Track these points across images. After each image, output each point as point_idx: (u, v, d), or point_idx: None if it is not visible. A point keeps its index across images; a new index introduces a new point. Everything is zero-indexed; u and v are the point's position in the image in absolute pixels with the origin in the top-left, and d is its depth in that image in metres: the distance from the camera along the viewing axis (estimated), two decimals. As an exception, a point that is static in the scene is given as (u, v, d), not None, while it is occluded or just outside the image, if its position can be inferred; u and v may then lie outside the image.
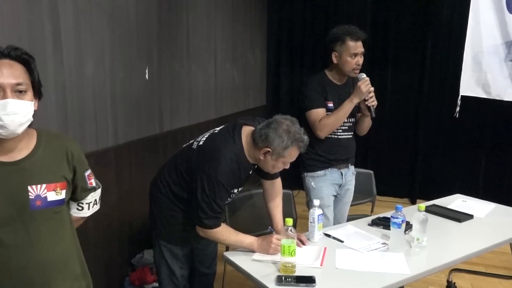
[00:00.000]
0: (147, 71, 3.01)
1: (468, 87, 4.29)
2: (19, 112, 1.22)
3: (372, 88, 2.44)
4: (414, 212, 2.05)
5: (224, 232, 1.96)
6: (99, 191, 1.55)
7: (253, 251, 1.96)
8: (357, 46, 2.41)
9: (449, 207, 2.58)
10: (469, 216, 2.44)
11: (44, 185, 1.31)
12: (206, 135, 2.02)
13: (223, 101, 4.17)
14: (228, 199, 1.99)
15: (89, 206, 1.52)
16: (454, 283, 2.92)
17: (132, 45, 2.84)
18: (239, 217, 2.61)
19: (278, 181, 2.20)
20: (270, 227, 2.13)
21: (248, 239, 1.97)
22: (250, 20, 4.64)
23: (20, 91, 1.24)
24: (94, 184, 1.52)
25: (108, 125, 2.67)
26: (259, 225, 2.42)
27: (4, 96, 1.20)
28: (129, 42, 2.82)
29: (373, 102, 2.45)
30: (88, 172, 1.49)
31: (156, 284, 2.74)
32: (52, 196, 1.33)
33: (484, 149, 4.57)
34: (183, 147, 2.11)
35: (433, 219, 2.36)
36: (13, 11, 2.02)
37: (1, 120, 1.20)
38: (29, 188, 1.29)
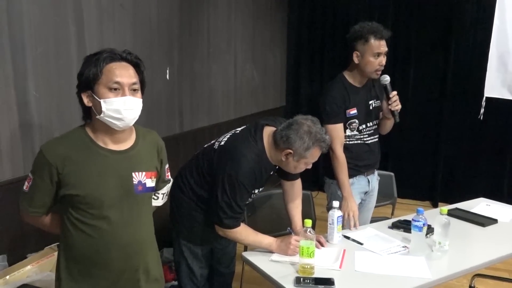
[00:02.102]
0: (168, 71, 3.04)
1: (493, 88, 4.18)
2: (134, 108, 1.40)
3: (395, 92, 2.35)
4: (436, 216, 2.02)
5: (243, 232, 1.96)
6: (170, 184, 1.72)
7: (271, 252, 1.96)
8: (380, 45, 2.28)
9: (472, 211, 2.53)
10: (493, 221, 2.39)
11: (144, 173, 1.50)
12: (228, 135, 2.03)
13: (242, 101, 4.19)
14: (249, 199, 2.00)
15: (163, 196, 1.68)
16: (477, 288, 2.86)
17: (153, 46, 2.88)
18: (258, 217, 2.61)
19: (298, 182, 2.19)
20: (289, 228, 2.12)
21: (267, 240, 1.97)
22: (271, 20, 4.64)
23: (134, 89, 1.42)
24: (170, 177, 1.69)
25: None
26: (278, 225, 2.42)
27: (123, 94, 1.38)
28: (150, 43, 2.85)
29: (396, 107, 2.35)
30: (167, 165, 1.65)
31: (175, 282, 2.76)
32: (149, 183, 1.52)
33: (509, 151, 4.44)
34: (204, 147, 2.12)
35: (456, 223, 2.32)
36: (40, 12, 2.08)
37: (121, 113, 1.38)
38: (133, 174, 1.48)
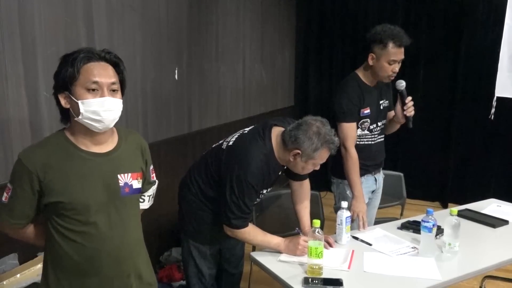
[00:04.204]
0: (176, 71, 3.05)
1: (504, 88, 4.15)
2: (113, 109, 1.36)
3: (410, 98, 2.34)
4: (446, 217, 2.00)
5: (252, 232, 1.96)
6: (156, 186, 1.67)
7: (280, 252, 1.96)
8: (398, 53, 2.28)
9: (482, 212, 2.51)
10: (504, 222, 2.36)
11: (129, 174, 1.46)
12: (236, 135, 2.03)
13: (251, 101, 4.19)
14: (257, 199, 2.00)
15: (149, 199, 1.65)
16: (487, 290, 2.83)
17: (162, 46, 2.89)
18: (266, 217, 2.61)
19: (307, 182, 2.19)
20: (297, 228, 2.12)
21: (275, 240, 1.97)
22: (279, 20, 4.63)
23: (114, 90, 1.37)
24: (155, 178, 1.65)
25: (139, 124, 2.73)
26: (286, 225, 2.42)
27: (102, 94, 1.34)
28: (159, 43, 2.87)
29: (411, 112, 2.34)
30: (152, 166, 1.62)
31: (184, 282, 2.77)
32: (136, 184, 1.48)
33: (521, 152, 4.40)
34: (212, 147, 2.13)
35: (466, 224, 2.30)
36: (51, 13, 2.10)
37: (100, 115, 1.33)
38: (118, 176, 1.43)
